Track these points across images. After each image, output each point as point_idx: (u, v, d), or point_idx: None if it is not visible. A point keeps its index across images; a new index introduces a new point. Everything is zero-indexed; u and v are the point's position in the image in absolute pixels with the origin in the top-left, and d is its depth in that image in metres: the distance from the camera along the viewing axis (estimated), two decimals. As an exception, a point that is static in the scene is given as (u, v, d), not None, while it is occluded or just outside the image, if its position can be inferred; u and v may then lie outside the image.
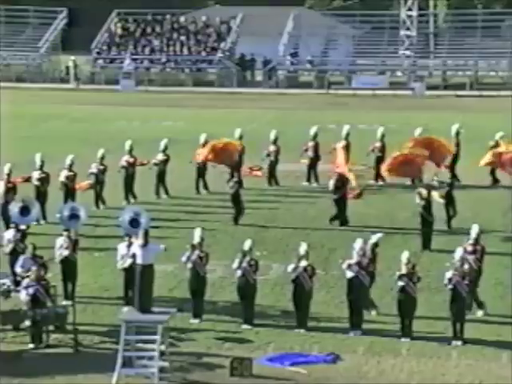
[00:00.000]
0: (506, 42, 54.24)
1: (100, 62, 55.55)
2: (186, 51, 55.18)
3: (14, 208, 19.60)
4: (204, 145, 26.99)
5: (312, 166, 27.96)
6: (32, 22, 58.10)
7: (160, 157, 26.31)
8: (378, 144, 28.15)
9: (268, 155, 27.67)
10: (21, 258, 17.79)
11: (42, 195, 23.55)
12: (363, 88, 51.06)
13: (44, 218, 23.24)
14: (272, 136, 27.92)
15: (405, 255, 16.94)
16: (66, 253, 18.24)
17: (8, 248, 18.72)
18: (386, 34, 56.02)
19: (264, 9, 58.59)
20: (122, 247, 18.03)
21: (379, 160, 27.67)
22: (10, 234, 18.98)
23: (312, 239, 20.88)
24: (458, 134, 28.21)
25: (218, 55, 54.67)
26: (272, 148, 27.71)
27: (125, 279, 17.94)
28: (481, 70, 53.53)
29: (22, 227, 19.16)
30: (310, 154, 27.82)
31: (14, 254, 18.49)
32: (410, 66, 53.76)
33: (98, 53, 55.66)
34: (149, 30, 56.54)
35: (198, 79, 53.88)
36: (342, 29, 57.70)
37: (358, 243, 17.43)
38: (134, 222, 17.34)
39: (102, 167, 25.12)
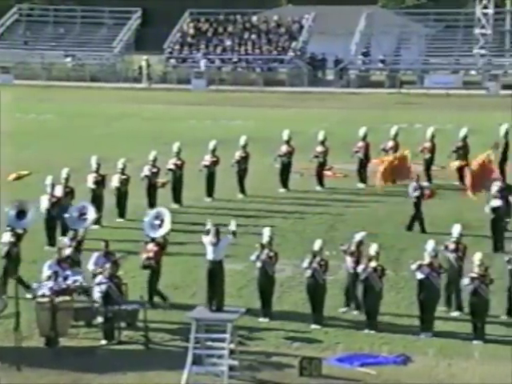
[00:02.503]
0: None
1: (172, 61, 56.04)
2: (257, 51, 55.34)
3: (11, 211, 19.48)
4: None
5: (362, 166, 27.73)
6: (106, 23, 58.93)
7: (208, 158, 26.06)
8: (427, 144, 27.81)
9: (316, 156, 27.53)
10: (94, 255, 18.03)
11: (97, 199, 23.19)
12: (436, 87, 50.54)
13: (99, 222, 22.93)
14: (320, 137, 27.72)
15: (477, 257, 16.71)
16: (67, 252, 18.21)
17: (3, 251, 18.70)
18: (460, 33, 55.35)
19: (336, 8, 58.45)
20: None
21: (428, 161, 27.46)
22: (5, 237, 18.83)
23: (382, 240, 20.72)
24: (506, 134, 27.68)
25: (290, 54, 54.69)
26: (320, 149, 27.54)
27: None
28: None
29: (19, 231, 18.97)
30: (360, 154, 27.61)
31: (7, 258, 18.54)
32: (484, 64, 53.03)
33: (171, 52, 56.17)
34: (221, 29, 56.86)
35: (269, 79, 53.98)
36: (414, 27, 57.22)
37: (430, 244, 17.25)
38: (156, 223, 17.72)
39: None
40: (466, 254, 17.95)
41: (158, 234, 18.27)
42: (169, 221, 18.35)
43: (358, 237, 18.10)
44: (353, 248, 17.82)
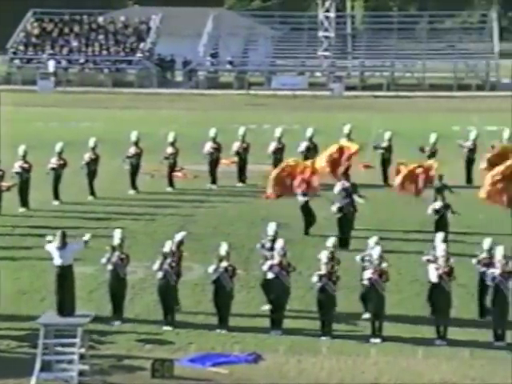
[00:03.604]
0: (420, 44, 55.35)
1: (16, 62, 54.70)
2: (104, 52, 54.76)
3: None
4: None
5: (213, 167, 27.92)
6: None
7: (55, 161, 25.63)
8: (274, 145, 28.22)
9: (166, 158, 27.58)
10: None
11: None
12: (283, 89, 51.45)
13: None
14: (170, 138, 27.78)
15: (324, 255, 17.11)
16: None
17: None
18: (305, 35, 56.55)
19: (183, 9, 58.62)
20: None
21: (277, 161, 28.07)
22: None
23: (232, 239, 20.90)
24: (349, 134, 28.56)
25: (138, 55, 54.39)
26: (170, 150, 27.62)
27: None
28: (397, 71, 54.43)
29: None
30: (212, 155, 27.80)
31: None
32: (328, 66, 54.35)
33: (14, 53, 54.81)
34: (66, 29, 55.95)
35: (118, 80, 53.54)
36: (261, 29, 58.08)
37: (279, 243, 17.55)
38: None
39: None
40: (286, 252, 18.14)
41: None
42: None
43: (179, 237, 18.13)
44: (174, 248, 17.85)
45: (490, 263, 17.20)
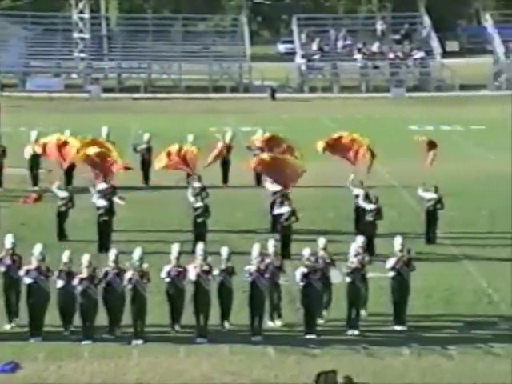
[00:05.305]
0: (175, 46, 56.02)
1: None
2: None
3: None
4: None
5: None
6: None
7: None
8: (30, 148, 27.93)
9: None
10: None
11: None
12: (38, 90, 50.35)
13: None
14: None
15: (85, 258, 16.93)
16: None
17: None
18: (60, 36, 55.64)
19: None
20: None
21: (33, 166, 27.69)
22: None
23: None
24: (108, 136, 28.57)
25: None
26: None
27: None
28: (154, 73, 54.75)
29: None
30: None
31: None
32: (85, 68, 53.75)
33: None
34: None
35: None
36: (12, 29, 56.49)
37: (38, 248, 17.18)
38: None
39: None
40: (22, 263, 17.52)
41: None
42: None
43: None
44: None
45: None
